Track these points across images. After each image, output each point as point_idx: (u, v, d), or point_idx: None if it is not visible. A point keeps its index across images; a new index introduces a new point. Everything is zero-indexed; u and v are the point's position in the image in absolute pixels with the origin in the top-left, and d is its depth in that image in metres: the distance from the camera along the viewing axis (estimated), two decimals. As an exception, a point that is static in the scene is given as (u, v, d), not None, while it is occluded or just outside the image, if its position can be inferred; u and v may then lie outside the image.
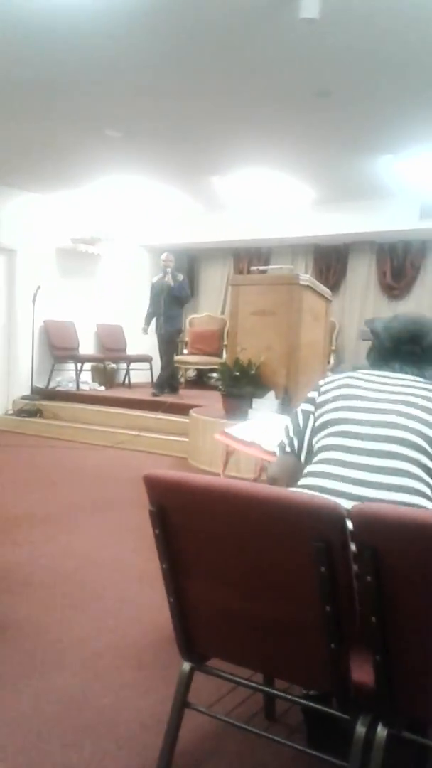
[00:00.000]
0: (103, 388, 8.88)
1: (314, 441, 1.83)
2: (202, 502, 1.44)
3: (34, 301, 8.16)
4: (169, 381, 8.23)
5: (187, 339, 9.82)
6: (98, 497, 4.79)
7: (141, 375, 9.30)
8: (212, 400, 6.67)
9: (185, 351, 9.82)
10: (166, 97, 5.10)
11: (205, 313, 10.11)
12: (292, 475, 1.87)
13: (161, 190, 8.03)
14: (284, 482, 1.88)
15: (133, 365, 9.21)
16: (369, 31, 3.87)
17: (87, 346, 9.14)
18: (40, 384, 8.43)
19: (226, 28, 3.92)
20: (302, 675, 1.53)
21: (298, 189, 7.69)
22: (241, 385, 5.69)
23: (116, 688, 2.21)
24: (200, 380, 9.76)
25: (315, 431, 1.84)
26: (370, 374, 1.88)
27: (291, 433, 1.92)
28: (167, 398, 7.64)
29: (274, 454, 2.07)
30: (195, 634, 1.61)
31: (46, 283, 8.43)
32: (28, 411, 7.95)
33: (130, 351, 9.44)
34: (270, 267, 9.03)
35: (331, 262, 9.25)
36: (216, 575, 1.50)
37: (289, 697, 1.65)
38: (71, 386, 8.57)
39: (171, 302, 7.88)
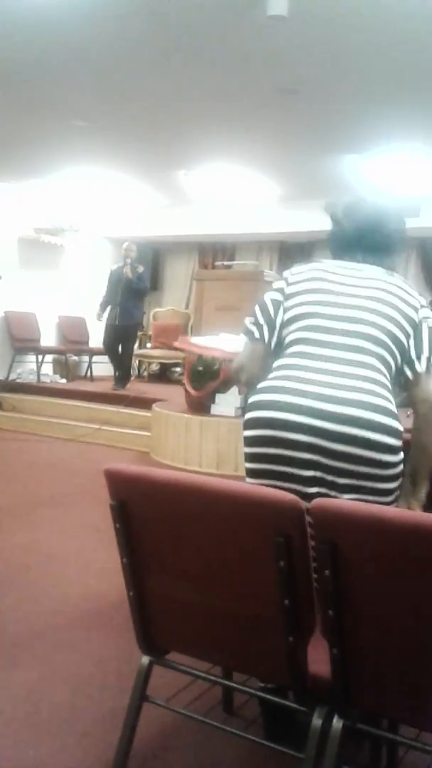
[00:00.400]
0: (64, 380, 8.79)
1: (283, 334, 1.84)
2: (162, 497, 1.44)
3: (-6, 291, 8.03)
4: (126, 374, 8.14)
5: (150, 333, 9.78)
6: (59, 491, 4.75)
7: (103, 368, 9.23)
8: (175, 394, 6.66)
9: (148, 345, 9.78)
10: (133, 89, 5.07)
11: (169, 307, 10.09)
12: (261, 363, 1.87)
13: (127, 182, 7.97)
14: (252, 372, 1.88)
15: (95, 358, 9.13)
16: (336, 30, 3.89)
17: (48, 338, 9.03)
18: (0, 375, 8.30)
19: (195, 24, 3.91)
20: (260, 668, 1.54)
21: (264, 185, 7.72)
22: (204, 380, 5.70)
23: (74, 683, 2.20)
24: (163, 374, 9.74)
25: (284, 324, 1.84)
26: (338, 266, 1.87)
27: (261, 320, 1.87)
28: (129, 392, 7.60)
29: (236, 353, 2.03)
30: (154, 628, 1.61)
31: (7, 274, 8.30)
32: (-13, 403, 7.83)
33: (93, 344, 9.35)
34: (235, 263, 9.05)
35: (296, 258, 9.30)
36: (176, 569, 1.51)
37: (247, 689, 1.67)
38: (32, 378, 8.47)
39: (128, 293, 7.67)
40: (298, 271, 1.90)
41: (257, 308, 1.91)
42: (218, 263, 9.25)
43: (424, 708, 1.33)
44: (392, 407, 1.68)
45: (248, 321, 1.92)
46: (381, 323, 1.75)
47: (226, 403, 5.64)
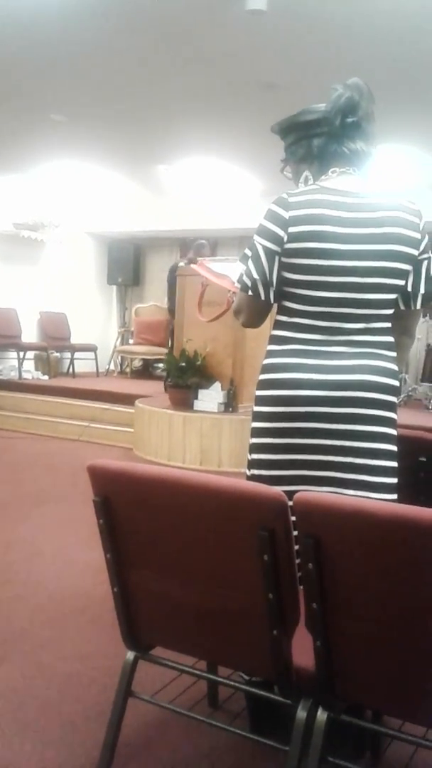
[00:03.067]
0: (46, 377, 8.74)
1: (282, 283, 1.75)
2: (146, 492, 1.44)
3: (-25, 287, 7.96)
4: None
5: (132, 328, 9.76)
6: (41, 488, 4.73)
7: (85, 365, 9.19)
8: (158, 390, 6.65)
9: (131, 341, 9.75)
10: (112, 83, 5.04)
11: (151, 302, 10.06)
12: (258, 315, 1.84)
13: (107, 176, 7.93)
14: (249, 321, 1.85)
15: (77, 354, 9.09)
16: (316, 24, 3.90)
17: (30, 335, 8.96)
18: (-19, 373, 8.24)
19: (174, 17, 3.89)
20: (245, 662, 1.55)
21: (246, 180, 7.72)
22: (187, 376, 5.70)
23: (59, 680, 2.19)
24: (146, 371, 9.72)
25: (282, 274, 1.74)
26: (336, 193, 1.72)
27: (254, 274, 1.75)
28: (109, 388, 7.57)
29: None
30: (139, 623, 1.61)
31: (-13, 270, 8.24)
32: (-32, 400, 7.76)
33: (75, 340, 9.31)
34: (217, 258, 9.04)
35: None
36: (160, 565, 1.51)
37: (232, 683, 1.67)
38: (13, 375, 8.40)
39: None
40: (298, 203, 1.72)
41: (249, 258, 1.77)
42: (200, 258, 9.23)
43: (408, 699, 1.34)
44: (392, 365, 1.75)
45: (242, 269, 1.81)
46: (390, 266, 1.69)
47: (210, 398, 5.64)
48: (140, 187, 8.42)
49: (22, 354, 8.44)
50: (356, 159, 1.78)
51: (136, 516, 1.49)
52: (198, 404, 5.68)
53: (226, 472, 5.08)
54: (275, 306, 1.83)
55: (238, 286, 1.82)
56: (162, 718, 1.97)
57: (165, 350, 8.58)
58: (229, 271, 2.09)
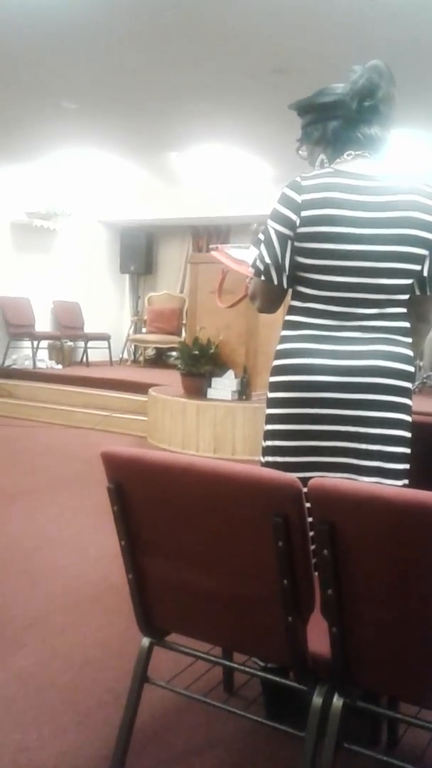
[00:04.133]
0: (60, 366, 8.77)
1: (296, 267, 1.73)
2: (160, 479, 1.43)
3: (-12, 277, 7.99)
4: None
5: (145, 317, 9.76)
6: (56, 476, 4.75)
7: (99, 353, 9.21)
8: (171, 378, 6.65)
9: (144, 329, 9.75)
10: (123, 69, 5.00)
11: (163, 291, 10.05)
12: (273, 300, 1.83)
13: (119, 164, 7.90)
14: (264, 306, 1.84)
15: (90, 343, 9.11)
16: (327, 7, 3.85)
17: (43, 324, 8.99)
18: (-5, 362, 8.29)
19: (185, 2, 3.85)
20: (260, 648, 1.55)
21: (258, 166, 7.66)
22: (200, 364, 5.69)
23: (75, 666, 2.21)
24: (159, 359, 9.72)
25: (296, 252, 1.72)
26: (350, 177, 1.70)
27: (267, 258, 1.74)
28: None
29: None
30: (154, 609, 1.61)
31: (0, 259, 8.24)
32: (-17, 389, 7.81)
33: (88, 329, 9.32)
34: (229, 245, 9.00)
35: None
36: (175, 551, 1.51)
37: (248, 669, 1.67)
38: (27, 364, 8.44)
39: None
40: (311, 186, 1.70)
41: (262, 242, 1.76)
42: (212, 246, 9.20)
43: (424, 685, 1.33)
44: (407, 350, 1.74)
45: (255, 254, 1.80)
46: (405, 251, 1.67)
47: (223, 386, 5.63)
48: (152, 175, 8.38)
49: (36, 343, 8.47)
50: (371, 144, 1.75)
51: (150, 503, 1.49)
52: (211, 392, 5.67)
53: (240, 460, 5.07)
54: (290, 291, 1.81)
55: (252, 270, 1.81)
56: (177, 704, 1.98)
57: (178, 338, 8.58)
58: (247, 257, 2.08)
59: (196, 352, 5.71)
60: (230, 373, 5.67)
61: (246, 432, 5.46)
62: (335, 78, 1.82)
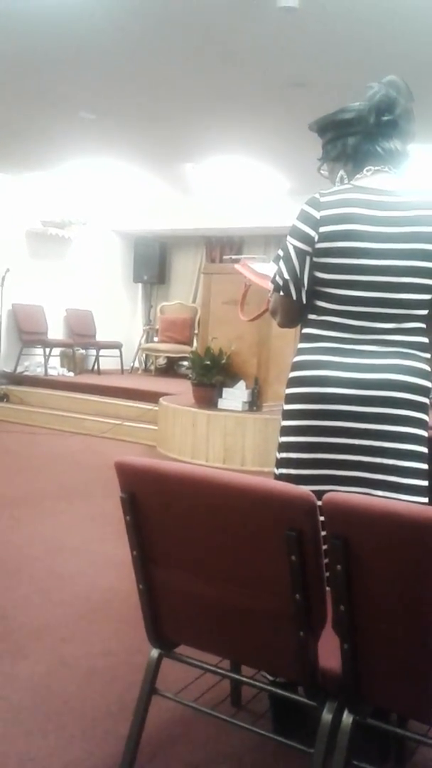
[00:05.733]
0: (71, 373, 8.80)
1: (314, 283, 1.74)
2: (174, 490, 1.43)
3: (2, 284, 8.03)
4: None
5: (157, 326, 9.78)
6: (66, 483, 4.76)
7: (110, 362, 9.24)
8: (182, 388, 6.66)
9: (156, 339, 9.78)
10: (141, 81, 5.04)
11: (176, 301, 10.08)
12: (292, 316, 1.84)
13: (135, 175, 7.95)
14: (284, 322, 1.85)
15: (102, 351, 9.14)
16: (348, 21, 3.87)
17: (56, 331, 9.03)
18: (8, 368, 8.32)
19: (204, 15, 3.88)
20: (270, 662, 1.54)
21: (273, 178, 7.69)
22: (211, 374, 5.69)
23: (82, 675, 2.20)
24: (170, 369, 9.74)
25: (313, 274, 1.73)
26: (369, 192, 1.71)
27: (285, 274, 1.76)
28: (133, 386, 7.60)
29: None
30: (164, 621, 1.61)
31: (15, 266, 8.30)
32: (-6, 396, 7.85)
33: (100, 337, 9.36)
34: (242, 256, 9.02)
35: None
36: (186, 562, 1.50)
37: (257, 683, 1.66)
38: (39, 371, 8.47)
39: None
40: (330, 203, 1.71)
41: (281, 258, 1.78)
42: (226, 257, 9.23)
43: (436, 704, 1.32)
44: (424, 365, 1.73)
45: (274, 270, 1.82)
46: (423, 266, 1.67)
47: (234, 397, 5.63)
48: (167, 185, 8.43)
49: (48, 351, 8.51)
50: (391, 158, 1.76)
51: (163, 513, 1.48)
52: (222, 403, 5.67)
53: (249, 471, 5.06)
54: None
55: (271, 286, 1.82)
56: (185, 716, 1.97)
57: (189, 348, 8.60)
58: (270, 272, 2.10)
59: (208, 362, 5.72)
60: (241, 384, 5.67)
61: (256, 443, 5.45)
62: (352, 92, 1.83)
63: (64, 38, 4.33)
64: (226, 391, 5.68)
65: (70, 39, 4.34)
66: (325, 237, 1.70)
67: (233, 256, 8.17)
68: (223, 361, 5.71)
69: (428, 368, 1.73)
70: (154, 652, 1.64)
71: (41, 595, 2.83)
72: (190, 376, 5.97)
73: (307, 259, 1.73)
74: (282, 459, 1.80)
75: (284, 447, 1.79)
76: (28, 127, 6.40)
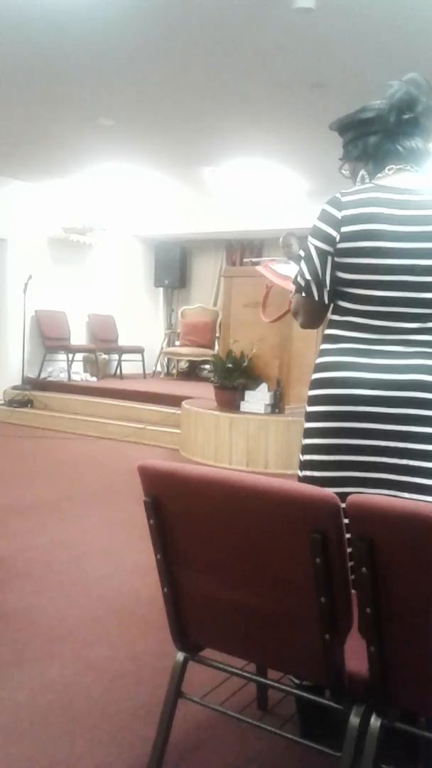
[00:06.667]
0: (94, 378, 8.86)
1: (337, 283, 1.73)
2: (197, 493, 1.43)
3: (25, 290, 8.11)
4: None
5: (179, 330, 9.80)
6: (89, 488, 4.78)
7: (133, 366, 9.28)
8: (204, 391, 6.67)
9: (177, 343, 9.80)
10: (159, 86, 5.07)
11: (197, 304, 10.09)
12: (315, 317, 1.84)
13: (154, 179, 7.99)
14: (306, 323, 1.85)
15: (124, 356, 9.19)
16: (365, 22, 3.85)
17: (79, 337, 9.10)
18: (32, 374, 8.40)
19: (221, 17, 3.89)
20: (296, 665, 1.53)
21: (292, 180, 7.67)
22: (233, 377, 5.69)
23: (108, 679, 2.21)
24: (192, 372, 9.75)
25: (335, 274, 1.73)
26: (391, 191, 1.70)
27: (307, 275, 1.76)
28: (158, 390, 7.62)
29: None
30: (189, 624, 1.61)
31: (37, 273, 8.38)
32: (19, 401, 7.92)
33: (122, 342, 9.41)
34: (263, 259, 9.01)
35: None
36: (211, 566, 1.50)
37: (283, 687, 1.65)
38: (63, 377, 8.54)
39: None
40: (351, 202, 1.70)
41: (302, 258, 1.78)
42: (246, 260, 9.23)
43: (465, 707, 1.30)
44: None
45: (296, 271, 1.81)
46: None
47: (256, 399, 5.62)
48: (186, 189, 8.46)
49: (71, 356, 8.58)
50: (412, 157, 1.75)
51: (186, 517, 1.48)
52: (244, 405, 5.67)
53: (272, 474, 5.05)
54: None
55: (293, 287, 1.81)
56: (211, 720, 1.97)
57: (211, 352, 8.60)
58: (291, 273, 2.10)
59: (230, 365, 5.72)
60: (263, 387, 5.66)
61: (279, 445, 5.44)
62: (373, 92, 1.82)
63: (82, 45, 4.37)
64: (248, 394, 5.67)
65: (89, 46, 4.37)
66: (346, 237, 1.69)
67: (254, 259, 8.16)
68: (245, 364, 5.71)
69: None
70: (180, 656, 1.64)
71: (67, 599, 2.85)
72: (212, 379, 5.97)
73: (329, 259, 1.72)
74: (306, 461, 1.79)
75: (308, 449, 1.78)
76: (47, 135, 6.47)
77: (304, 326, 1.88)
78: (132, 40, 4.26)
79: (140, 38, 4.23)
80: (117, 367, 9.26)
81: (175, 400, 6.83)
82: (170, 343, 10.08)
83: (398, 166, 1.75)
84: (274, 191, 8.19)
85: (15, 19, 4.01)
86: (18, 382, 8.28)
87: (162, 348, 10.06)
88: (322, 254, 1.73)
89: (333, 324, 1.78)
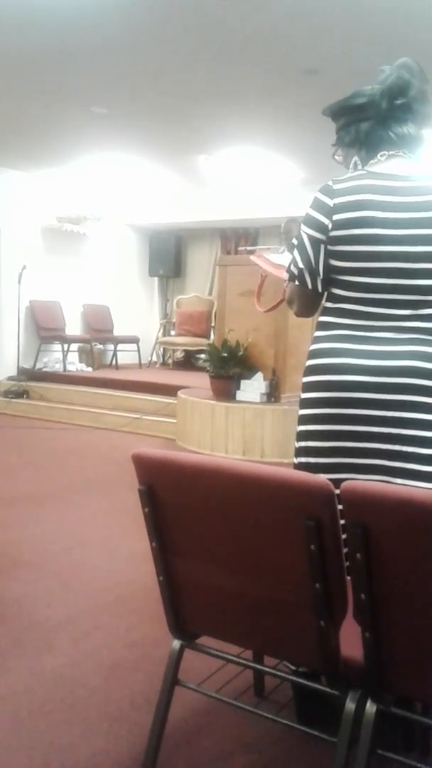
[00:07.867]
0: (90, 369, 8.84)
1: (330, 271, 1.73)
2: (191, 481, 1.43)
3: (19, 281, 8.08)
4: None
5: (174, 320, 9.78)
6: (86, 478, 4.79)
7: (128, 356, 9.26)
8: (200, 381, 6.66)
9: (173, 332, 9.78)
10: (152, 74, 5.03)
11: (192, 293, 10.07)
12: (309, 305, 1.83)
13: (148, 168, 7.95)
14: (301, 311, 1.84)
15: (120, 346, 9.17)
16: (358, 8, 3.82)
17: (74, 327, 9.07)
18: (27, 365, 8.38)
19: (214, 5, 3.85)
20: (292, 652, 1.53)
21: (287, 168, 7.64)
22: (229, 366, 5.69)
23: (106, 667, 2.22)
24: (188, 362, 9.74)
25: (328, 262, 1.72)
26: (383, 178, 1.69)
27: (300, 263, 1.75)
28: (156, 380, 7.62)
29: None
30: (185, 612, 1.61)
31: (31, 263, 8.34)
32: (14, 392, 7.91)
33: (117, 332, 9.39)
34: (258, 247, 8.98)
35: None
36: (206, 553, 1.50)
37: (279, 673, 1.66)
38: (58, 367, 8.52)
39: None
40: (343, 190, 1.69)
41: (295, 247, 1.77)
42: (241, 248, 9.20)
43: (460, 692, 1.31)
44: None
45: (290, 260, 1.81)
46: None
47: (252, 389, 5.62)
48: (181, 178, 8.41)
49: (66, 346, 8.55)
50: (404, 143, 1.73)
51: (181, 505, 1.48)
52: (240, 395, 5.67)
53: (269, 462, 5.05)
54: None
55: (287, 275, 1.80)
56: (208, 707, 1.98)
57: (206, 341, 8.59)
58: (285, 261, 2.09)
59: (225, 355, 5.71)
60: (259, 376, 5.66)
61: (275, 434, 5.44)
62: (366, 78, 1.80)
63: (74, 33, 4.33)
64: (244, 383, 5.67)
65: (81, 34, 4.33)
66: (339, 225, 1.68)
67: (248, 248, 8.14)
68: (240, 353, 5.70)
69: None
70: (176, 644, 1.65)
71: (64, 588, 2.85)
72: (208, 368, 5.97)
73: (322, 247, 1.71)
74: (300, 448, 1.79)
75: (302, 436, 1.78)
76: (40, 123, 6.42)
77: (298, 315, 1.88)
78: (125, 28, 4.22)
79: (133, 26, 4.19)
80: (112, 357, 9.24)
81: (170, 390, 6.82)
82: (165, 333, 10.06)
83: (391, 153, 1.73)
84: (268, 179, 8.15)
85: (7, 6, 3.97)
86: (13, 372, 8.26)
87: (157, 338, 10.04)
88: (315, 243, 1.72)
89: (326, 311, 1.77)
